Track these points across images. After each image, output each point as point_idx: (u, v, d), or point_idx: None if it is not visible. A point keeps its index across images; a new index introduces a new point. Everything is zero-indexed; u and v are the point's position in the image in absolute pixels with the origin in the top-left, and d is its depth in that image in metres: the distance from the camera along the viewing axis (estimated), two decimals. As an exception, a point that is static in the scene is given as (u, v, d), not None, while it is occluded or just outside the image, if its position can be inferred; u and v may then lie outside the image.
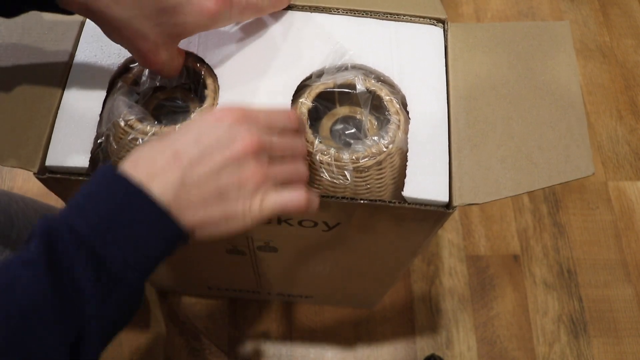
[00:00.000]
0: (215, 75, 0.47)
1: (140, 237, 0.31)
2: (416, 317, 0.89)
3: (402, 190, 0.43)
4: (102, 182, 0.32)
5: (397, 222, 0.48)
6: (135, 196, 0.31)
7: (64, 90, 0.46)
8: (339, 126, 0.50)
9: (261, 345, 0.86)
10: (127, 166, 0.33)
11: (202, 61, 0.47)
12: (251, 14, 0.45)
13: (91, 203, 0.31)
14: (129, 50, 0.41)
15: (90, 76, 0.46)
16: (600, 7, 1.22)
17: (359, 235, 0.53)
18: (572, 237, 0.97)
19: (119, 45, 0.41)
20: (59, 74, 0.46)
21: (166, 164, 0.32)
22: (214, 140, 0.33)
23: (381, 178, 0.44)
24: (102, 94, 0.46)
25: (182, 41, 0.43)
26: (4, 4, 0.38)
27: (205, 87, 0.46)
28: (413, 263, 0.93)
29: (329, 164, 0.43)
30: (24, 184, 0.97)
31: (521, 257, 0.95)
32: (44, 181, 0.44)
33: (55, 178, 0.44)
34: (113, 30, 0.39)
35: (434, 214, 0.44)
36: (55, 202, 0.94)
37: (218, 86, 0.46)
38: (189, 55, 0.47)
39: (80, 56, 0.47)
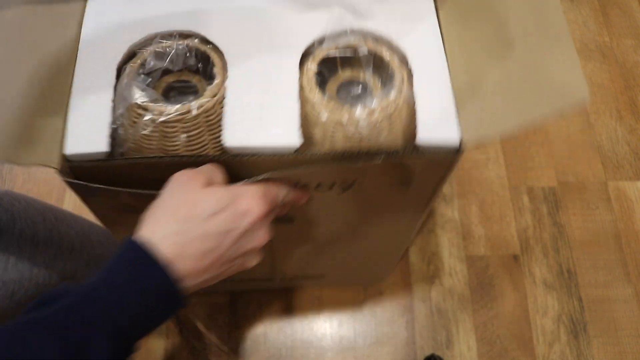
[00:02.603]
0: (221, 52, 0.47)
1: (155, 320, 0.35)
2: (416, 317, 0.89)
3: (414, 141, 0.45)
4: (133, 265, 0.34)
5: (410, 174, 0.49)
6: (167, 295, 0.35)
7: (72, 81, 0.46)
8: (344, 89, 0.51)
9: (261, 344, 0.86)
10: (159, 241, 0.35)
11: (206, 41, 0.48)
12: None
13: (118, 284, 0.34)
14: None
15: (96, 65, 0.47)
16: (600, 7, 1.22)
17: (373, 191, 0.53)
18: (572, 237, 0.97)
19: (122, 32, 0.43)
20: (64, 65, 0.46)
21: (204, 266, 0.36)
22: (241, 240, 0.38)
23: (393, 131, 0.46)
24: (111, 81, 0.46)
25: (184, 21, 0.46)
26: None
27: (213, 65, 0.47)
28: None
29: (342, 123, 0.44)
30: (24, 184, 0.97)
31: (521, 257, 0.95)
32: (68, 174, 0.44)
33: (79, 167, 0.44)
34: None
35: (445, 160, 0.46)
36: (56, 201, 0.94)
37: (226, 62, 0.47)
38: (193, 36, 0.48)
39: (84, 45, 0.47)
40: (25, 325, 0.31)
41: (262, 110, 0.45)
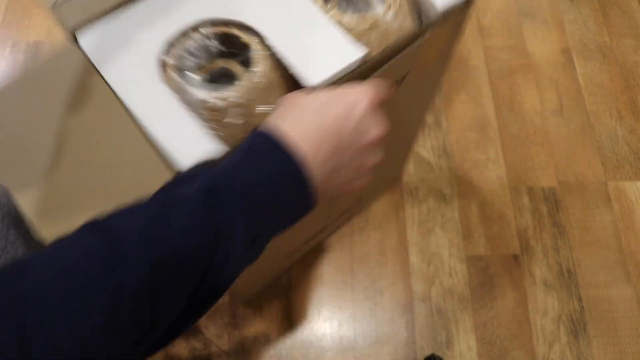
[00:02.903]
0: (257, 33, 0.48)
1: (286, 214, 0.37)
2: (416, 317, 0.89)
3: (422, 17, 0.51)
4: (261, 148, 0.36)
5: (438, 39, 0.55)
6: (294, 173, 0.35)
7: (123, 106, 0.46)
8: None
9: (261, 344, 0.86)
10: (288, 135, 0.36)
11: (241, 26, 0.48)
12: None
13: (252, 166, 0.35)
14: None
15: (126, 79, 0.46)
16: (600, 7, 1.22)
17: (415, 80, 0.58)
18: (572, 237, 0.97)
19: (123, 37, 0.43)
20: (104, 95, 0.46)
21: (326, 150, 0.37)
22: (358, 126, 0.38)
23: (408, 14, 0.51)
24: (157, 78, 0.46)
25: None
26: None
27: (250, 49, 0.48)
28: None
29: (372, 27, 0.49)
30: (24, 183, 0.97)
31: (521, 257, 0.95)
32: None
33: None
34: None
35: (459, 13, 0.52)
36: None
37: (263, 41, 0.48)
38: (228, 24, 0.48)
39: (106, 67, 0.47)
40: (171, 204, 0.33)
41: (313, 48, 0.47)
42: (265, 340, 0.87)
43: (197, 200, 0.33)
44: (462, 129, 1.06)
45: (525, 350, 0.88)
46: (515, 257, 0.95)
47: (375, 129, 0.40)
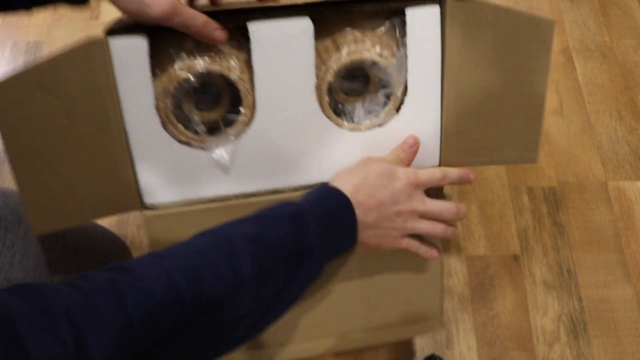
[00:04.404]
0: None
1: (345, 238, 0.49)
2: (416, 317, 0.89)
3: None
4: (325, 192, 0.50)
5: None
6: (349, 210, 0.49)
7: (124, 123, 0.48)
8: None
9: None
10: (338, 184, 0.50)
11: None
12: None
13: (319, 200, 0.48)
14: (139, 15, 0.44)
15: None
16: (600, 7, 1.22)
17: None
18: (572, 237, 0.97)
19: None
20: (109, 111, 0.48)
21: (372, 206, 0.50)
22: (395, 197, 0.51)
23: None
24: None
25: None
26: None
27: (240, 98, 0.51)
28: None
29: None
30: (24, 183, 0.97)
31: (521, 257, 0.95)
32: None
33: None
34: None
35: None
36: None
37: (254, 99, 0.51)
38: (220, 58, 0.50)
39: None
40: (269, 217, 0.46)
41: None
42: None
43: (286, 220, 0.45)
44: (462, 129, 1.06)
45: (525, 351, 0.87)
46: (515, 257, 0.95)
47: (411, 203, 0.51)
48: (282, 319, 0.47)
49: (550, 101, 1.10)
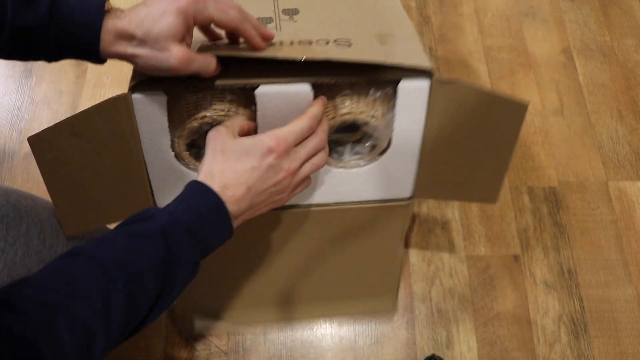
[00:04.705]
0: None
1: (218, 236, 0.51)
2: (416, 317, 0.89)
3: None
4: (196, 193, 0.50)
5: None
6: (219, 210, 0.50)
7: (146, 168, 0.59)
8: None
9: (261, 344, 0.86)
10: (208, 180, 0.51)
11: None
12: (223, 15, 0.53)
13: (189, 205, 0.49)
14: (157, 70, 0.51)
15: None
16: (600, 6, 1.22)
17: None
18: (573, 237, 0.97)
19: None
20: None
21: (242, 195, 0.51)
22: (264, 175, 0.52)
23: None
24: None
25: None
26: (48, 49, 0.49)
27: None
28: (412, 263, 0.93)
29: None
30: (24, 183, 0.97)
31: (521, 257, 0.95)
32: None
33: None
34: (139, 49, 0.50)
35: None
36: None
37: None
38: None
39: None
40: (140, 235, 0.46)
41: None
42: (265, 340, 0.86)
43: (157, 237, 0.46)
44: (462, 128, 1.06)
45: (525, 351, 0.87)
46: (516, 257, 0.95)
47: (284, 172, 0.53)
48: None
49: (551, 101, 1.10)
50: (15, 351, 0.35)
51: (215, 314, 0.85)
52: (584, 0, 1.22)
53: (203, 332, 0.86)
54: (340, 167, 0.64)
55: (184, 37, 0.50)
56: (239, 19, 0.52)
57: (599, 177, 1.03)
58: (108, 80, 1.07)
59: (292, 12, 0.66)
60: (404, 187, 0.66)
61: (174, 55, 0.48)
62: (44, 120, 1.02)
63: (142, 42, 0.48)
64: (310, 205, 0.67)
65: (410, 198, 0.67)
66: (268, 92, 0.54)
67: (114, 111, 0.54)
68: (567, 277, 0.93)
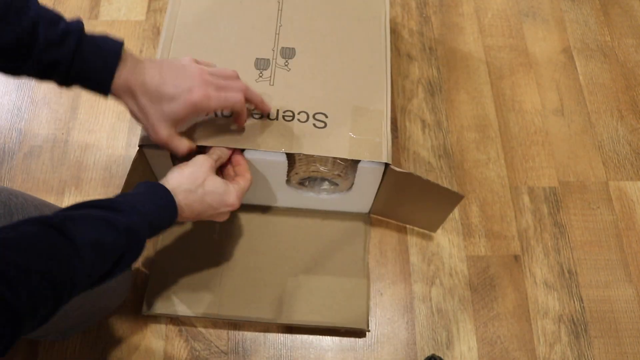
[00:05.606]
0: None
1: (165, 220, 0.60)
2: (416, 317, 0.89)
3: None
4: (151, 190, 0.60)
5: None
6: (170, 200, 0.61)
7: None
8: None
9: (261, 344, 0.86)
10: (165, 183, 0.63)
11: None
12: (226, 108, 0.67)
13: (148, 199, 0.58)
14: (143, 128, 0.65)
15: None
16: (601, 6, 1.22)
17: None
18: (573, 237, 0.97)
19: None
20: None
21: (191, 208, 0.64)
22: (218, 215, 0.69)
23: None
24: None
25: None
26: (64, 79, 0.56)
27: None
28: (413, 264, 0.93)
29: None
30: (23, 183, 0.97)
31: (522, 257, 0.95)
32: None
33: None
34: (139, 113, 0.62)
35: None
36: (55, 201, 0.94)
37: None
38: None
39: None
40: (102, 217, 0.51)
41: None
42: (265, 340, 0.86)
43: (123, 236, 0.52)
44: (462, 128, 1.06)
45: (526, 351, 0.87)
46: (516, 257, 0.94)
47: (226, 216, 0.69)
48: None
49: (551, 101, 1.10)
50: None
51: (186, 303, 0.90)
52: (584, 0, 1.22)
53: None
54: (310, 193, 0.86)
55: (179, 123, 0.62)
56: (239, 107, 0.66)
57: (599, 177, 1.02)
58: (108, 80, 1.07)
59: (289, 55, 0.80)
60: (362, 208, 0.91)
61: (161, 136, 0.62)
62: (44, 120, 1.02)
63: (141, 108, 0.60)
64: (283, 208, 0.91)
65: (367, 214, 0.92)
66: (253, 157, 0.75)
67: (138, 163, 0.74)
68: (567, 277, 0.93)
